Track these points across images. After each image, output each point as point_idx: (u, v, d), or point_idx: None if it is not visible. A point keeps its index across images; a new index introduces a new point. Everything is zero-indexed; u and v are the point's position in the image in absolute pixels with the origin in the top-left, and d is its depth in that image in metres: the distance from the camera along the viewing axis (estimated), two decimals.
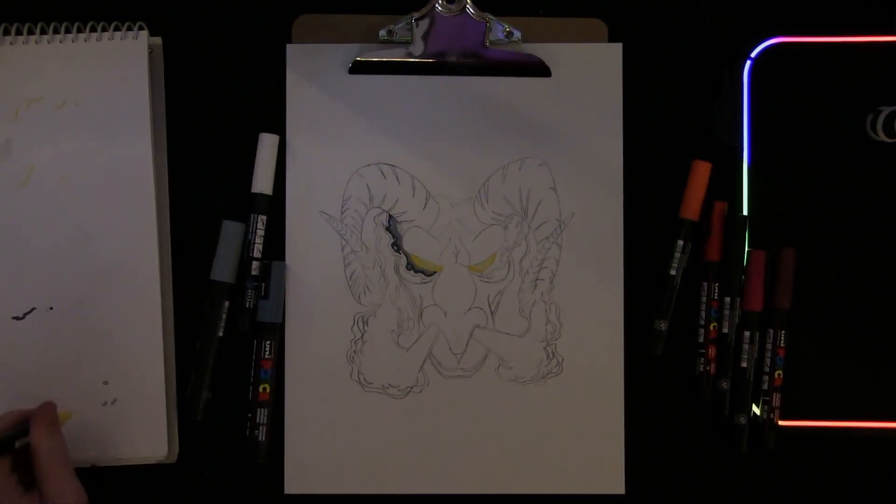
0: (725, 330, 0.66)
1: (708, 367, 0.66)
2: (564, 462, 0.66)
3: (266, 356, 0.65)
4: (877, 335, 0.67)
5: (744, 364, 0.66)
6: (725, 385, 0.66)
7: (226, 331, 0.65)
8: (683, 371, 0.67)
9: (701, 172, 0.66)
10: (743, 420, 0.66)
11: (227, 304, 0.65)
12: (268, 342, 0.65)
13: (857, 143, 0.67)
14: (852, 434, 0.67)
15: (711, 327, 0.66)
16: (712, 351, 0.66)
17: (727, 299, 0.66)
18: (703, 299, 0.67)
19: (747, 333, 0.66)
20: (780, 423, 0.66)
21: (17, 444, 0.57)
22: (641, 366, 0.67)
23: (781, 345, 0.66)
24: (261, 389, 0.65)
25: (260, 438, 0.65)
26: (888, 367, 0.67)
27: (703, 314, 0.67)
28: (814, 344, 0.67)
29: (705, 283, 0.66)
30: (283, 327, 0.66)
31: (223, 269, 0.65)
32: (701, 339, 0.67)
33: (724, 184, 0.67)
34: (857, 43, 0.67)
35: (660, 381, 0.67)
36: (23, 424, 0.57)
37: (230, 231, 0.66)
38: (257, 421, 0.65)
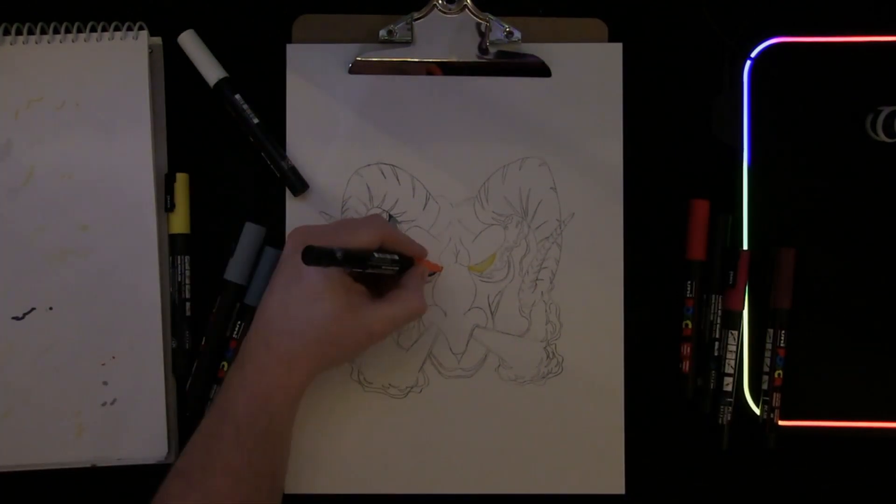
0: (716, 333, 0.67)
1: (683, 365, 0.67)
2: (564, 462, 0.66)
3: (233, 335, 0.65)
4: (876, 335, 0.67)
5: (728, 366, 0.66)
6: (700, 383, 0.66)
7: (233, 331, 0.66)
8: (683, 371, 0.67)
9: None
10: (723, 419, 0.66)
11: (238, 305, 0.65)
12: (240, 323, 0.65)
13: (857, 143, 0.67)
14: (852, 434, 0.67)
15: (685, 325, 0.67)
16: (688, 349, 0.66)
17: (714, 297, 0.66)
18: (690, 296, 0.67)
19: (733, 333, 0.66)
20: (780, 423, 0.66)
21: (368, 268, 0.59)
22: (641, 366, 0.67)
23: (781, 345, 0.66)
24: (222, 366, 0.65)
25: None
26: (888, 367, 0.67)
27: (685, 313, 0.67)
28: (814, 344, 0.67)
29: (689, 282, 0.67)
30: None
31: (237, 270, 0.65)
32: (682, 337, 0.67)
33: (724, 184, 0.67)
34: (857, 43, 0.67)
35: (660, 381, 0.67)
36: (394, 255, 0.62)
37: (251, 233, 0.65)
38: (210, 396, 0.65)
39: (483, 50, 0.67)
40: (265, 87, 0.67)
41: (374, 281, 0.64)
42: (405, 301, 0.61)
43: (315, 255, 0.54)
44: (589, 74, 0.68)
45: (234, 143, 0.67)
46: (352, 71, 0.67)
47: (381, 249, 0.61)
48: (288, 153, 0.67)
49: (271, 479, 0.59)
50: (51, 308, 0.64)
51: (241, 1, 0.68)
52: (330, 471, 0.66)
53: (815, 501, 0.67)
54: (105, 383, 0.64)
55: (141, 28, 0.66)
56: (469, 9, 0.67)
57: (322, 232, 0.61)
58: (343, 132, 0.67)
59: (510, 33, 0.67)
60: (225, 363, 0.65)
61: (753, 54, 0.67)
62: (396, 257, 0.62)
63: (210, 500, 0.56)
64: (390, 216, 0.67)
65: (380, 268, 0.60)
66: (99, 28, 0.65)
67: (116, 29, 0.65)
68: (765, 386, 0.66)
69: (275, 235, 0.67)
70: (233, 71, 0.67)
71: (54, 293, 0.64)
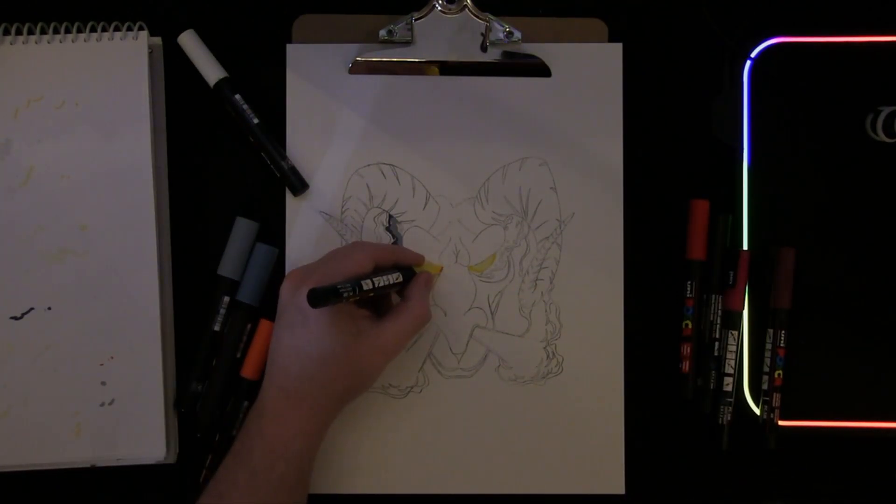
0: (716, 333, 0.66)
1: (683, 365, 0.66)
2: (564, 462, 0.66)
3: (223, 331, 0.66)
4: (876, 335, 0.67)
5: (728, 366, 0.66)
6: (700, 383, 0.66)
7: (223, 326, 0.66)
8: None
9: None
10: (723, 419, 0.66)
11: (227, 299, 0.65)
12: (229, 319, 0.66)
13: (856, 143, 0.67)
14: (852, 434, 0.67)
15: (685, 325, 0.67)
16: (687, 349, 0.66)
17: (714, 297, 0.66)
18: (690, 296, 0.67)
19: (733, 333, 0.66)
20: (780, 423, 0.66)
21: (374, 293, 0.59)
22: (641, 366, 0.67)
23: (781, 345, 0.66)
24: (214, 363, 0.65)
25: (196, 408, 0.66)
26: (888, 367, 0.67)
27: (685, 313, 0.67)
28: (814, 344, 0.67)
29: (689, 282, 0.67)
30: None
31: (230, 265, 0.65)
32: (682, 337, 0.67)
33: (724, 184, 0.67)
34: (857, 43, 0.67)
35: (660, 381, 0.67)
36: (395, 270, 0.62)
37: (242, 228, 0.66)
38: (199, 390, 0.66)
39: (483, 50, 0.67)
40: (265, 87, 0.67)
41: (377, 301, 0.64)
42: (409, 312, 0.61)
43: (321, 297, 0.54)
44: (589, 74, 0.68)
45: (234, 143, 0.67)
46: (352, 71, 0.67)
47: (377, 269, 0.61)
48: (288, 153, 0.66)
49: None
50: (49, 308, 0.64)
51: (241, 1, 0.68)
52: (329, 471, 0.66)
53: (814, 501, 0.67)
54: (103, 383, 0.64)
55: (141, 28, 0.66)
56: (469, 9, 0.67)
57: (315, 270, 0.60)
58: (343, 132, 0.67)
59: (510, 33, 0.67)
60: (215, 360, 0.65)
61: (753, 54, 0.67)
62: (397, 273, 0.62)
63: None
64: (390, 216, 0.67)
65: (384, 288, 0.60)
66: (99, 28, 0.65)
67: (116, 29, 0.65)
68: (765, 386, 0.66)
69: (275, 235, 0.67)
70: (233, 71, 0.67)
71: (53, 293, 0.64)
